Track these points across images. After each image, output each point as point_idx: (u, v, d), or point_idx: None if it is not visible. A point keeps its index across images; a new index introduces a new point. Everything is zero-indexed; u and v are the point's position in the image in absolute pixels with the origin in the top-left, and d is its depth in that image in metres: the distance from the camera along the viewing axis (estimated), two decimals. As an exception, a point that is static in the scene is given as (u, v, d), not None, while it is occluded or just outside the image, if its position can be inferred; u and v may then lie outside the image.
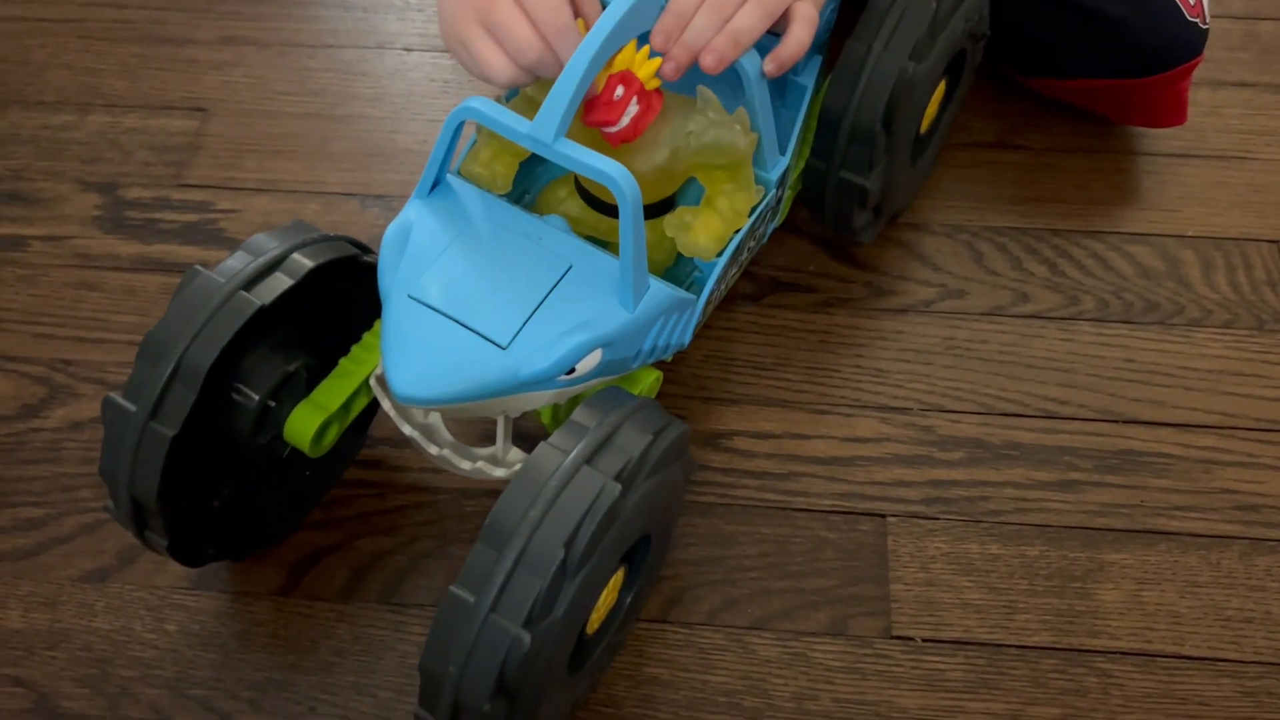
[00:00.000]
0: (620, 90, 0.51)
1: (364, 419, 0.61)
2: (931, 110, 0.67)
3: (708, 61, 0.52)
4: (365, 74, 0.82)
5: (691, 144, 0.54)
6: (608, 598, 0.51)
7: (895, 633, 0.58)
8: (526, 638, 0.42)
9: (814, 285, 0.70)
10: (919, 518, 0.62)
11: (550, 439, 0.47)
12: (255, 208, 0.74)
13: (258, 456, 0.56)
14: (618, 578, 0.52)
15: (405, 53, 0.83)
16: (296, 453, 0.58)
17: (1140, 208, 0.74)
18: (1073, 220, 0.73)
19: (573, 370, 0.49)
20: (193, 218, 0.74)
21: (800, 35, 0.55)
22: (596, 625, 0.52)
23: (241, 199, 0.75)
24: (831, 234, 0.71)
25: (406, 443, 0.64)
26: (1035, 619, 0.58)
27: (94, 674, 0.57)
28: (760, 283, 0.70)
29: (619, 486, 0.44)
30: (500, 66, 0.53)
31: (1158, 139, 0.77)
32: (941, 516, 0.62)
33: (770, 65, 0.55)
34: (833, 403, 0.66)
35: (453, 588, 0.44)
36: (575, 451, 0.45)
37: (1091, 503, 0.62)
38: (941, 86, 0.67)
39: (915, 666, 0.57)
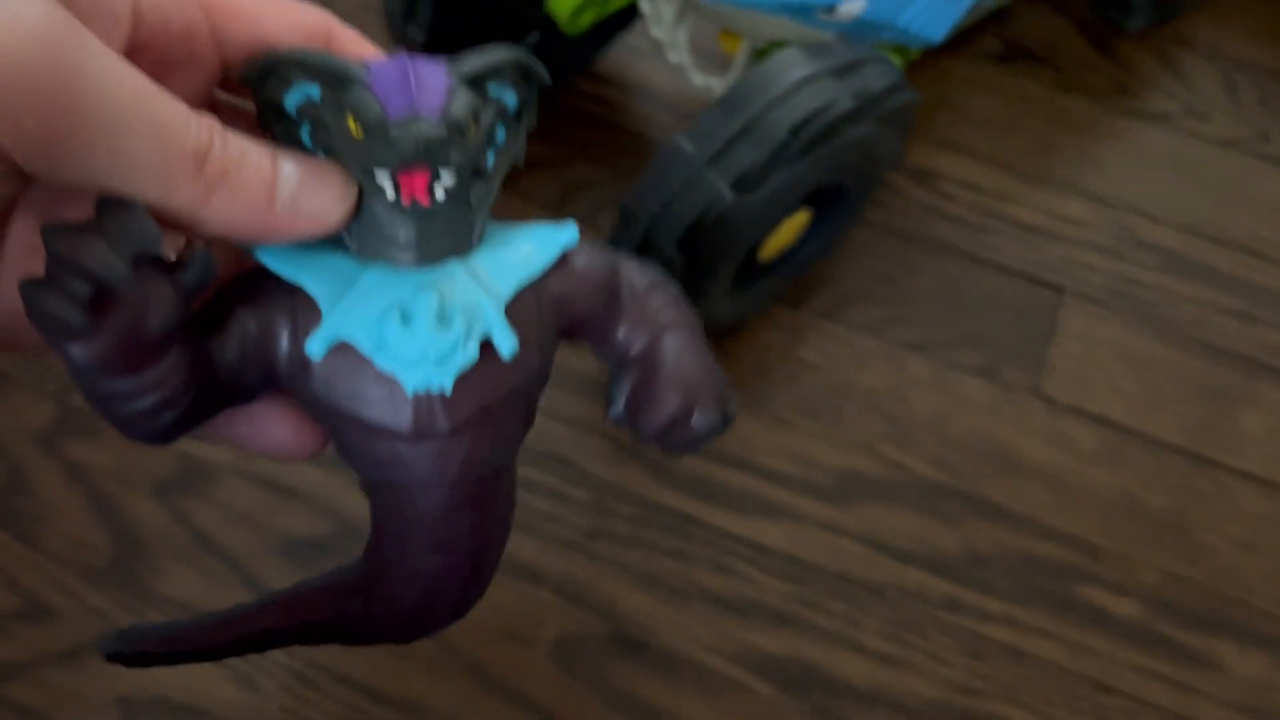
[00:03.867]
0: None
1: (614, 22, 0.64)
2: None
3: None
4: None
5: None
6: (788, 232, 0.55)
7: (1042, 390, 0.61)
8: (729, 197, 0.46)
9: (1062, 65, 0.70)
10: (1095, 302, 0.63)
11: (799, 48, 0.49)
12: None
13: (511, 24, 0.60)
14: (803, 218, 0.55)
15: None
16: (540, 43, 0.62)
17: None
18: (1339, 81, 0.71)
19: (834, 9, 0.51)
20: None
21: None
22: (769, 255, 0.55)
23: None
24: (1095, 19, 0.70)
25: (630, 90, 0.68)
26: (1175, 420, 0.61)
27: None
28: (1010, 46, 0.70)
29: (852, 104, 0.47)
30: None
31: None
32: (1117, 307, 0.63)
33: None
34: (1048, 178, 0.67)
35: (676, 136, 0.47)
36: (822, 62, 0.48)
37: (1266, 341, 0.63)
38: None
39: (1051, 425, 0.60)
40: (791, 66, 0.48)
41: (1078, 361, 0.62)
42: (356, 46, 0.25)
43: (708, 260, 0.49)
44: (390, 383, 0.24)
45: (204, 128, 0.21)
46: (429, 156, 0.22)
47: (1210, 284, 0.64)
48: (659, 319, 0.27)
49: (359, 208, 0.24)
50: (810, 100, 0.47)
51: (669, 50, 0.56)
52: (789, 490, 0.57)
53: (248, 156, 0.22)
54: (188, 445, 0.55)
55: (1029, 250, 0.65)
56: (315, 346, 0.24)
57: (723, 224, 0.47)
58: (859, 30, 0.54)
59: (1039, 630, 0.54)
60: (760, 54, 0.58)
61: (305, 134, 0.23)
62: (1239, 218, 0.66)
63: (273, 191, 0.22)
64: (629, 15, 0.65)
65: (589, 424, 0.57)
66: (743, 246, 0.51)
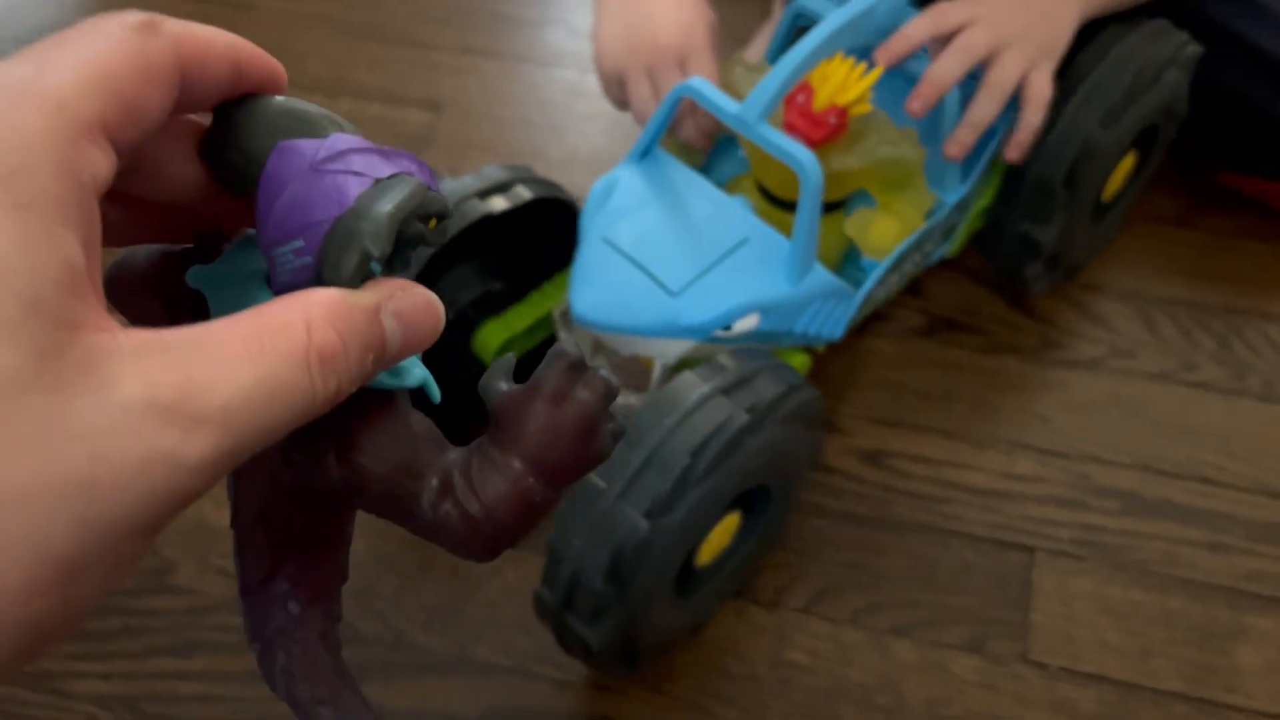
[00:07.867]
0: (834, 119, 0.57)
1: (537, 355, 0.68)
2: (1118, 179, 0.70)
3: (952, 151, 0.60)
4: (584, 94, 0.89)
5: (865, 158, 0.59)
6: (721, 536, 0.56)
7: (1031, 658, 0.60)
8: (645, 525, 0.48)
9: (987, 329, 0.74)
10: (1066, 556, 0.64)
11: (694, 370, 0.52)
12: (475, 197, 0.82)
13: (439, 364, 0.63)
14: (733, 521, 0.56)
15: (624, 78, 0.90)
16: (453, 392, 0.64)
17: (1319, 299, 0.75)
18: (1247, 301, 0.75)
19: (729, 328, 0.54)
20: (419, 199, 0.82)
21: (1033, 120, 0.62)
22: (707, 560, 0.56)
23: (464, 188, 0.82)
24: (1008, 283, 0.74)
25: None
26: (1171, 666, 0.60)
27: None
28: (934, 320, 0.74)
29: (747, 417, 0.49)
30: (648, 108, 0.63)
31: (1344, 237, 0.78)
32: (1089, 558, 0.64)
33: (1014, 153, 0.62)
34: (994, 439, 0.69)
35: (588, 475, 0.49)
36: (714, 382, 0.51)
37: (1239, 568, 0.63)
38: (1132, 157, 0.70)
39: (1048, 692, 0.59)
40: (685, 391, 0.51)
41: (1061, 620, 0.62)
42: (262, 61, 0.22)
43: (638, 585, 0.50)
44: None
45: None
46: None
47: (1173, 519, 0.65)
48: None
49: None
50: (705, 422, 0.50)
51: None
52: (797, 808, 0.55)
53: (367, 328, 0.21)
54: None
55: (990, 515, 0.65)
56: None
57: (644, 551, 0.49)
58: (759, 339, 0.57)
59: None
60: (674, 368, 0.61)
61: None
62: (1185, 448, 0.68)
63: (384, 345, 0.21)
64: (549, 346, 0.68)
65: (584, 769, 0.56)
66: (670, 566, 0.52)
